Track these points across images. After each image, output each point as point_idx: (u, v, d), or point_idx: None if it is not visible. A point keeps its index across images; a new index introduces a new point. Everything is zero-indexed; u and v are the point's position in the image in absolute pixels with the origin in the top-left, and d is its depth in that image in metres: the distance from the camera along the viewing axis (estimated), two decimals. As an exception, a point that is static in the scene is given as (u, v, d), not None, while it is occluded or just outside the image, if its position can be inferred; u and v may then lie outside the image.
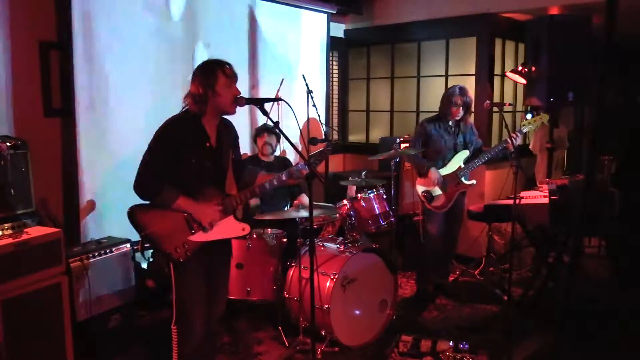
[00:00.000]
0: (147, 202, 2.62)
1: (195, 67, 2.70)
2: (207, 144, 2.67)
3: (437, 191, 4.18)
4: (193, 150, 2.62)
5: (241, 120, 4.82)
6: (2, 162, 3.08)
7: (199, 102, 2.61)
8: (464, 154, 4.20)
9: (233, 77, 2.68)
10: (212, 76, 2.62)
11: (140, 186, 2.57)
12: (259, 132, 4.31)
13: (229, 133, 2.84)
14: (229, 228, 2.71)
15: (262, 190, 2.77)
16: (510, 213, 3.91)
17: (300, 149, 2.96)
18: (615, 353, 3.34)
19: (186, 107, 2.67)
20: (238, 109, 2.73)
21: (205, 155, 2.66)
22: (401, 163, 5.18)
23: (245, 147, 4.93)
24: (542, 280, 4.16)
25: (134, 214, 2.59)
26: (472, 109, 4.36)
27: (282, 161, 4.43)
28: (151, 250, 3.79)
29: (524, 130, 4.28)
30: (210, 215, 2.64)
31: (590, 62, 4.62)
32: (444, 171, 4.19)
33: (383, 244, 4.60)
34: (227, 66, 2.68)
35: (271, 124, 2.89)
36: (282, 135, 2.91)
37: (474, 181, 4.29)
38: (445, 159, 4.21)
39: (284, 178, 2.76)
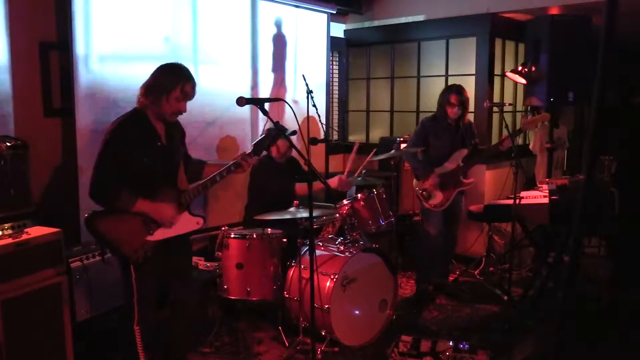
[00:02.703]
0: (104, 208, 2.65)
1: (166, 63, 2.76)
2: (159, 143, 2.72)
3: (435, 190, 4.19)
4: (145, 149, 2.66)
5: (241, 120, 4.82)
6: (2, 162, 3.07)
7: (148, 96, 2.66)
8: (463, 152, 4.21)
9: (188, 97, 2.72)
10: (172, 84, 2.66)
11: (97, 192, 2.59)
12: (283, 134, 4.19)
13: (177, 130, 2.89)
14: (184, 223, 2.79)
15: (213, 183, 2.82)
16: (510, 213, 3.91)
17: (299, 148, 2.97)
18: (615, 353, 3.34)
19: (138, 101, 2.72)
20: (239, 108, 2.77)
21: (157, 154, 2.71)
22: (401, 163, 5.19)
23: (247, 146, 4.92)
24: (542, 280, 4.16)
25: (92, 222, 2.60)
26: (470, 109, 4.36)
27: (291, 162, 4.38)
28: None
29: (524, 130, 4.31)
30: (170, 214, 2.69)
31: (590, 62, 4.62)
32: (443, 169, 4.19)
33: (383, 244, 4.59)
34: (190, 84, 2.70)
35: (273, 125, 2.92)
36: (286, 137, 2.98)
37: (472, 179, 4.30)
38: (444, 157, 4.21)
39: (232, 169, 2.83)
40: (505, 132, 4.15)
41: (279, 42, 5.17)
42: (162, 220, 2.68)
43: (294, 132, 3.44)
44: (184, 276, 2.93)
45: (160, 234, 2.71)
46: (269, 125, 4.20)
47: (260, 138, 2.89)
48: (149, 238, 2.67)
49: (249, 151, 2.88)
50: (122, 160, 2.60)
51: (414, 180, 4.34)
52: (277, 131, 2.91)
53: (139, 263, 2.64)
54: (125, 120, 2.68)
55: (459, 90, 4.17)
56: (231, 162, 2.84)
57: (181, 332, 2.93)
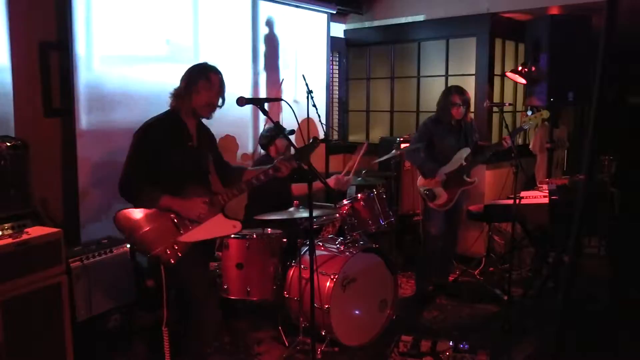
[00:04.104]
0: (134, 206, 2.65)
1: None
2: (190, 144, 2.72)
3: (440, 190, 4.19)
4: (176, 150, 2.66)
5: (241, 120, 4.82)
6: (2, 162, 3.07)
7: (178, 98, 2.69)
8: (466, 151, 4.20)
9: (216, 85, 2.71)
10: (197, 76, 2.69)
11: (122, 189, 2.62)
12: (282, 134, 4.10)
13: (207, 135, 2.89)
14: (220, 226, 2.73)
15: (250, 186, 2.80)
16: (510, 213, 3.91)
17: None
18: (615, 353, 3.34)
19: (171, 106, 2.73)
20: (239, 108, 2.76)
21: (188, 155, 2.71)
22: (401, 163, 5.18)
23: (247, 146, 4.93)
24: (542, 280, 4.17)
25: (120, 218, 2.61)
26: (470, 109, 4.36)
27: None
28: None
29: (525, 127, 4.30)
30: (197, 209, 2.65)
31: (590, 62, 4.62)
32: (447, 169, 4.19)
33: (383, 244, 4.59)
34: (215, 73, 2.72)
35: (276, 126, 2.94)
36: (286, 137, 2.99)
37: (476, 178, 4.29)
38: (448, 157, 4.21)
39: (271, 172, 2.79)
40: (505, 132, 4.15)
41: (279, 42, 5.17)
42: (190, 216, 2.64)
43: (292, 131, 3.44)
44: (208, 282, 2.91)
45: (192, 235, 2.64)
46: (268, 125, 4.23)
47: (305, 145, 2.84)
48: (180, 238, 2.62)
49: (291, 155, 2.85)
50: (149, 160, 2.60)
51: (418, 181, 4.33)
52: (314, 139, 2.85)
53: (170, 264, 2.59)
54: (156, 122, 2.69)
55: (459, 90, 4.18)
56: (270, 166, 2.81)
57: (204, 337, 2.86)
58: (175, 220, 2.63)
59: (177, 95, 2.70)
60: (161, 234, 2.60)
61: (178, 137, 2.69)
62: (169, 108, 2.75)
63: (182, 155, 2.67)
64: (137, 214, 2.63)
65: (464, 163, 4.18)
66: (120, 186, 2.62)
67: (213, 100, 2.71)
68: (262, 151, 4.28)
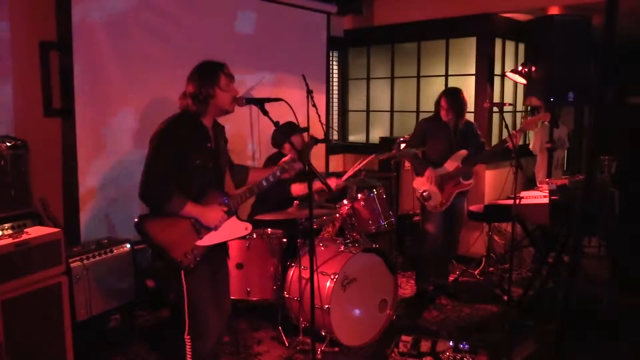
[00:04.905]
0: (154, 211, 2.57)
1: (192, 70, 2.66)
2: (209, 145, 2.67)
3: (434, 190, 4.18)
4: (197, 150, 2.60)
5: (241, 120, 4.82)
6: (2, 162, 3.08)
7: (200, 102, 2.59)
8: (462, 153, 4.19)
9: (232, 78, 2.68)
10: (214, 76, 2.61)
11: (148, 194, 2.51)
12: (297, 131, 3.97)
13: (223, 134, 2.84)
14: (233, 229, 2.70)
15: (260, 188, 2.79)
16: (510, 213, 3.91)
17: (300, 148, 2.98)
18: (614, 353, 3.34)
19: (184, 108, 2.63)
20: (239, 109, 2.74)
21: (208, 156, 2.65)
22: (401, 163, 5.19)
23: (246, 146, 4.93)
24: (542, 280, 4.16)
25: (142, 224, 2.52)
26: (470, 109, 4.34)
27: None
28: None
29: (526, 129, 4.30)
30: (217, 218, 2.62)
31: (590, 62, 4.62)
32: (442, 170, 4.19)
33: (383, 244, 4.59)
34: (224, 64, 2.68)
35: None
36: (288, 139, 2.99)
37: (471, 181, 4.27)
38: (443, 158, 4.21)
39: (278, 174, 2.80)
40: (505, 132, 4.14)
41: (279, 41, 5.17)
42: (210, 224, 2.60)
43: (305, 129, 3.39)
44: (222, 280, 2.84)
45: (209, 239, 2.62)
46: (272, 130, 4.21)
47: (303, 147, 2.88)
48: (199, 243, 2.58)
49: (295, 157, 2.87)
50: (173, 161, 2.52)
51: (414, 182, 4.33)
52: (313, 139, 2.85)
53: (190, 269, 2.56)
54: (176, 121, 2.60)
55: (450, 92, 4.15)
56: (277, 168, 2.81)
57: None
58: (195, 225, 2.59)
59: (196, 97, 2.58)
60: (181, 239, 2.55)
61: (199, 138, 2.63)
62: (179, 110, 2.65)
63: (202, 156, 2.61)
64: (159, 218, 2.55)
65: (460, 165, 4.17)
66: (146, 191, 2.50)
67: (235, 93, 2.68)
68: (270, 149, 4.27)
